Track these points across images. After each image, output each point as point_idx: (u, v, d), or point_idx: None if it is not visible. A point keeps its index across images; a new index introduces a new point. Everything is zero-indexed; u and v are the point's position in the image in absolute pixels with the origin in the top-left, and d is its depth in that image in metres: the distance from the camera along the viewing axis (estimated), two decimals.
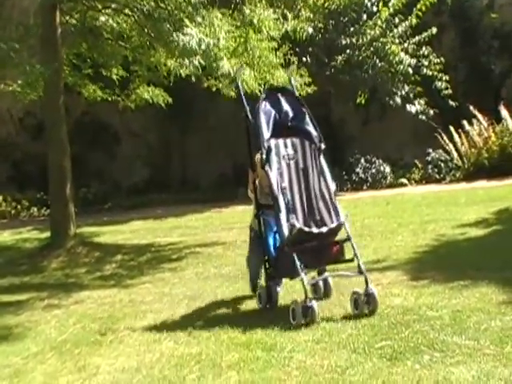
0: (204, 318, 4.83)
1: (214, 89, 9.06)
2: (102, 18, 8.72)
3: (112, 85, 9.55)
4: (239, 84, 5.11)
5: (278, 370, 3.61)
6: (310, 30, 12.16)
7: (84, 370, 3.96)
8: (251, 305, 5.09)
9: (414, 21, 13.69)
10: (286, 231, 4.45)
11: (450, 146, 12.67)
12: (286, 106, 4.80)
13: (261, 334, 4.29)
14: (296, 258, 4.36)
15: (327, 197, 4.67)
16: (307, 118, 4.86)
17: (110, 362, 4.03)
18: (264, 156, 4.58)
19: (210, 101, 13.69)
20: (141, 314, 5.13)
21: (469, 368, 3.44)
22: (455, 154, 12.62)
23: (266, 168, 4.59)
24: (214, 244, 8.33)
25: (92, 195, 14.01)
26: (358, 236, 7.66)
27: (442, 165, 12.66)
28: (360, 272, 4.58)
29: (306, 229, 4.49)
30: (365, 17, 13.52)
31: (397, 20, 13.73)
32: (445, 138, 12.74)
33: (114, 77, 9.26)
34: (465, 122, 12.74)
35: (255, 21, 8.39)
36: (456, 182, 12.06)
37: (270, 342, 4.12)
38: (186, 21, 7.25)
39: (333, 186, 4.74)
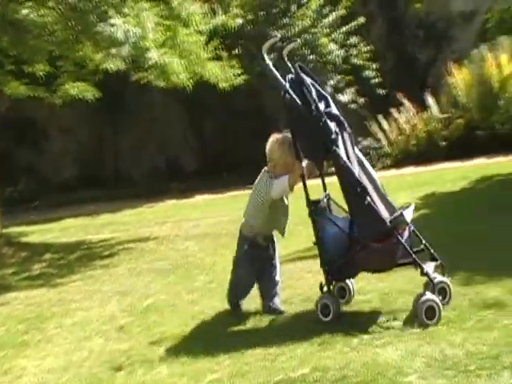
0: (135, 314, 4.79)
1: (143, 81, 8.95)
2: (24, 11, 8.47)
3: (37, 81, 9.30)
4: (266, 58, 4.11)
5: (210, 361, 3.62)
6: (240, 21, 12.22)
7: (8, 373, 3.85)
8: (185, 298, 5.07)
9: (343, 11, 13.88)
10: (385, 225, 3.85)
11: (380, 134, 12.93)
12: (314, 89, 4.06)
13: (192, 326, 4.29)
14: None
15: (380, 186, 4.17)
16: (332, 102, 4.19)
17: (36, 363, 3.94)
18: (333, 139, 3.88)
19: (140, 94, 13.55)
20: (70, 313, 5.04)
21: (395, 348, 3.52)
22: (385, 142, 12.89)
23: (339, 154, 3.88)
24: (147, 239, 8.26)
25: (19, 193, 13.62)
26: (294, 224, 7.75)
27: (373, 152, 12.91)
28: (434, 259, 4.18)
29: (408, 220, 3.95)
30: (294, 8, 13.62)
31: (326, 10, 13.88)
32: (375, 126, 12.99)
33: (40, 73, 9.01)
34: (393, 110, 13.01)
35: (183, 15, 8.36)
36: (386, 169, 12.29)
37: (202, 334, 4.12)
38: (112, 11, 7.14)
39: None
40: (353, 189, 3.85)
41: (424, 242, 4.13)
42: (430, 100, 13.02)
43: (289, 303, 4.59)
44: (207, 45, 9.03)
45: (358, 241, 3.93)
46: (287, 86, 3.99)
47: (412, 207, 4.13)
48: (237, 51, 12.53)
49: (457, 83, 12.87)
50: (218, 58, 10.87)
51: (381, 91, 14.00)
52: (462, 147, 12.01)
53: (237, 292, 4.55)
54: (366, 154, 12.85)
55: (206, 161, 13.70)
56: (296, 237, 7.03)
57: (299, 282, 5.22)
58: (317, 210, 4.11)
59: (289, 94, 3.96)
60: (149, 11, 7.50)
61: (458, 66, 13.12)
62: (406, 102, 13.10)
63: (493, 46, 12.78)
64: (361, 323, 4.05)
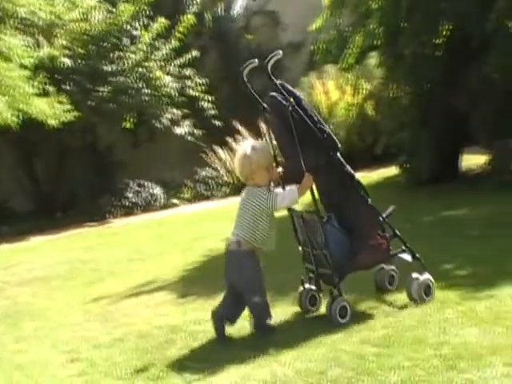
0: None
1: None
2: None
3: None
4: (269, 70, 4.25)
5: None
6: (67, 61, 11.96)
7: None
8: (11, 348, 4.77)
9: (177, 44, 14.02)
10: (383, 224, 4.23)
11: (218, 164, 13.13)
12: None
13: (17, 377, 4.04)
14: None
15: None
16: None
17: None
18: (339, 147, 4.17)
19: None
20: None
21: (228, 374, 3.55)
22: (223, 171, 13.09)
23: (342, 160, 4.17)
24: None
25: None
26: (129, 261, 7.66)
27: (212, 182, 13.06)
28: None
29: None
30: (127, 41, 13.55)
31: (159, 43, 13.95)
32: (212, 156, 13.17)
33: None
34: (230, 139, 13.25)
35: (3, 49, 8.03)
36: (225, 198, 12.44)
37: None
38: None
39: None
40: (356, 191, 4.15)
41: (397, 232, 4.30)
42: (264, 128, 13.42)
43: (126, 340, 4.51)
44: (32, 79, 8.71)
45: (361, 241, 4.14)
46: (293, 101, 4.13)
47: (392, 207, 4.36)
48: (68, 86, 12.21)
49: None
50: (45, 93, 10.57)
51: (217, 122, 14.25)
52: None
53: (268, 311, 4.22)
54: (204, 184, 13.01)
55: (39, 201, 13.16)
56: (133, 272, 6.96)
57: (135, 318, 5.12)
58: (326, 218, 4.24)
59: (298, 108, 4.11)
60: None
61: None
62: (242, 130, 13.41)
63: (320, 73, 13.46)
64: (196, 353, 4.04)
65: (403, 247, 4.26)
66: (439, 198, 7.83)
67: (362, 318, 4.04)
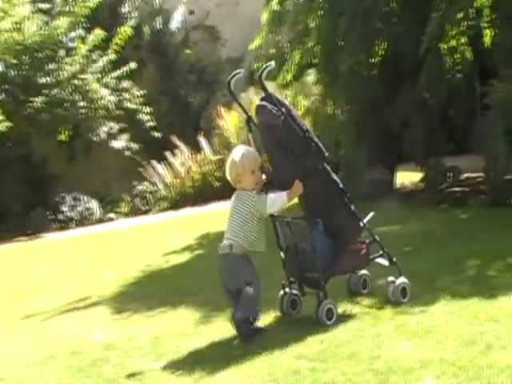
0: None
1: None
2: None
3: None
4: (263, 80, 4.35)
5: None
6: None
7: None
8: None
9: (114, 56, 13.90)
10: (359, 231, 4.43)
11: (156, 178, 13.03)
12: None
13: None
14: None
15: None
16: None
17: None
18: (326, 156, 4.34)
19: None
20: None
21: None
22: (161, 185, 13.01)
23: (329, 169, 4.35)
24: None
25: None
26: (63, 277, 7.50)
27: (149, 196, 12.95)
28: None
29: None
30: (63, 53, 13.35)
31: (96, 55, 13.80)
32: (150, 170, 13.07)
33: None
34: (168, 154, 13.21)
35: None
36: (164, 211, 12.37)
37: None
38: None
39: None
40: (341, 198, 4.33)
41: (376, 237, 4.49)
42: (204, 142, 13.43)
43: (58, 358, 4.42)
44: None
45: (344, 246, 4.32)
46: (284, 111, 4.23)
47: (372, 214, 4.54)
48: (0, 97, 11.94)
49: (227, 126, 13.45)
50: None
51: (156, 135, 14.17)
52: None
53: (256, 309, 4.28)
54: (142, 198, 12.90)
55: None
56: (67, 288, 6.83)
57: (68, 335, 5.04)
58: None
59: (289, 117, 4.23)
60: None
61: (227, 110, 13.72)
62: (181, 144, 13.38)
63: (259, 90, 13.57)
64: (130, 371, 4.00)
65: (381, 252, 4.47)
66: None
67: (299, 332, 4.07)
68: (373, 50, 8.76)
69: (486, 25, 8.05)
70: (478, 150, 8.23)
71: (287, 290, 4.52)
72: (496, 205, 7.34)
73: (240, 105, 4.69)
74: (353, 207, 4.38)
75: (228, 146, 13.29)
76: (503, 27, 7.89)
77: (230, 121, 13.48)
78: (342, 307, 4.43)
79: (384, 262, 4.48)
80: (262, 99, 4.37)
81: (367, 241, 4.44)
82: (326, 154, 4.32)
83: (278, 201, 4.28)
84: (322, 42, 8.98)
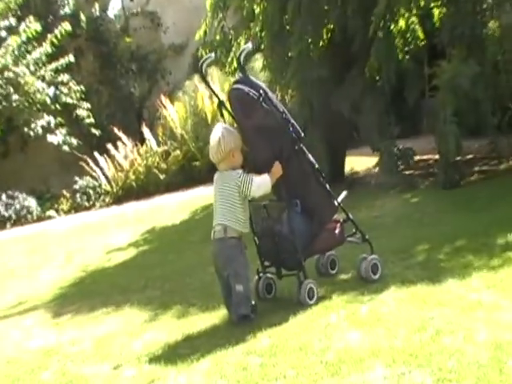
0: None
1: None
2: None
3: None
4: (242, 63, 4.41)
5: None
6: None
7: None
8: None
9: (49, 49, 13.62)
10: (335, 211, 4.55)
11: (98, 172, 12.85)
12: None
13: None
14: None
15: None
16: None
17: None
18: (302, 137, 4.41)
19: None
20: None
21: None
22: (103, 180, 12.84)
23: (305, 150, 4.42)
24: None
25: None
26: None
27: (91, 191, 12.77)
28: None
29: None
30: None
31: (30, 47, 13.52)
32: (92, 164, 12.87)
33: None
34: (110, 146, 13.03)
35: None
36: (106, 207, 12.26)
37: None
38: None
39: None
40: (316, 178, 4.45)
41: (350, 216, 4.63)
42: (147, 133, 13.30)
43: None
44: None
45: (320, 225, 4.45)
46: (261, 92, 4.28)
47: (345, 193, 4.66)
48: None
49: (172, 115, 13.32)
50: None
51: (95, 131, 13.99)
52: (180, 179, 12.48)
53: (247, 302, 4.29)
54: (84, 194, 12.71)
55: None
56: (2, 292, 6.70)
57: (3, 342, 4.95)
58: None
59: (267, 99, 4.29)
60: None
61: (171, 98, 13.61)
62: (123, 136, 13.20)
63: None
64: (72, 376, 3.93)
65: (354, 230, 4.64)
66: None
67: (247, 326, 4.07)
68: (321, 33, 8.78)
69: (434, 4, 8.16)
70: (429, 133, 8.36)
71: (261, 274, 4.60)
72: (448, 187, 7.47)
73: (212, 90, 4.84)
74: (328, 187, 4.48)
75: (173, 137, 13.21)
76: (450, 6, 8.01)
77: (174, 110, 13.36)
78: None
79: (357, 240, 4.65)
80: (236, 82, 4.42)
81: (341, 220, 4.57)
82: (302, 135, 4.40)
83: (262, 185, 4.33)
84: (268, 27, 8.96)
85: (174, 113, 13.35)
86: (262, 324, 4.05)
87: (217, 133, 4.37)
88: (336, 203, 4.50)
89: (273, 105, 4.32)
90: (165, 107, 13.44)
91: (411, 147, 8.58)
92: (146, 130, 13.37)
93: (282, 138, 4.33)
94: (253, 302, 4.36)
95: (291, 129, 4.35)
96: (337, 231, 4.55)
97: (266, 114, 4.27)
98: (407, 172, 8.62)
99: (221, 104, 4.56)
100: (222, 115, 4.62)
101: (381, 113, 8.48)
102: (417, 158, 8.93)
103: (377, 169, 9.03)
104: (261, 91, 4.27)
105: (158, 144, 13.21)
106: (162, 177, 12.29)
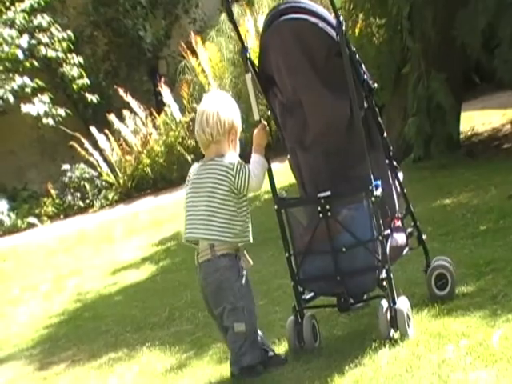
0: None
1: None
2: None
3: None
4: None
5: None
6: None
7: None
8: None
9: None
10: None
11: (96, 156, 12.98)
12: None
13: None
14: None
15: None
16: None
17: None
18: None
19: None
20: None
21: None
22: (104, 167, 12.98)
23: None
24: None
25: None
26: None
27: (87, 186, 12.96)
28: None
29: None
30: None
31: None
32: (87, 145, 13.02)
33: None
34: (113, 118, 13.14)
35: None
36: (110, 207, 12.53)
37: None
38: None
39: None
40: (386, 151, 4.65)
41: None
42: (167, 96, 13.36)
43: None
44: None
45: (391, 221, 4.58)
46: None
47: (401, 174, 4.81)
48: None
49: (203, 65, 13.29)
50: None
51: (91, 95, 14.13)
52: None
53: (253, 346, 4.34)
54: (76, 190, 12.92)
55: None
56: None
57: None
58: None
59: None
60: None
61: (201, 41, 13.60)
62: (131, 101, 13.29)
63: (250, 4, 13.48)
64: None
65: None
66: None
67: (324, 367, 4.08)
68: None
69: None
70: None
71: (304, 313, 4.56)
72: None
73: (238, 33, 4.69)
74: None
75: None
76: None
77: (207, 57, 13.35)
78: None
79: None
80: (289, 8, 4.36)
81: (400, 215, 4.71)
82: (374, 86, 4.48)
83: (261, 173, 4.40)
84: None
85: (206, 62, 13.33)
86: (342, 363, 4.05)
87: (214, 100, 4.38)
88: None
89: (349, 48, 4.31)
90: (193, 54, 13.42)
91: None
92: (164, 92, 13.46)
93: (348, 91, 4.31)
94: (265, 347, 4.37)
95: (365, 76, 4.39)
96: (407, 231, 4.68)
97: (339, 58, 4.27)
98: None
99: (244, 52, 4.45)
100: (247, 71, 4.49)
101: None
102: None
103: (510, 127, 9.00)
104: (340, 21, 4.25)
105: (183, 111, 13.27)
106: (189, 158, 12.34)
